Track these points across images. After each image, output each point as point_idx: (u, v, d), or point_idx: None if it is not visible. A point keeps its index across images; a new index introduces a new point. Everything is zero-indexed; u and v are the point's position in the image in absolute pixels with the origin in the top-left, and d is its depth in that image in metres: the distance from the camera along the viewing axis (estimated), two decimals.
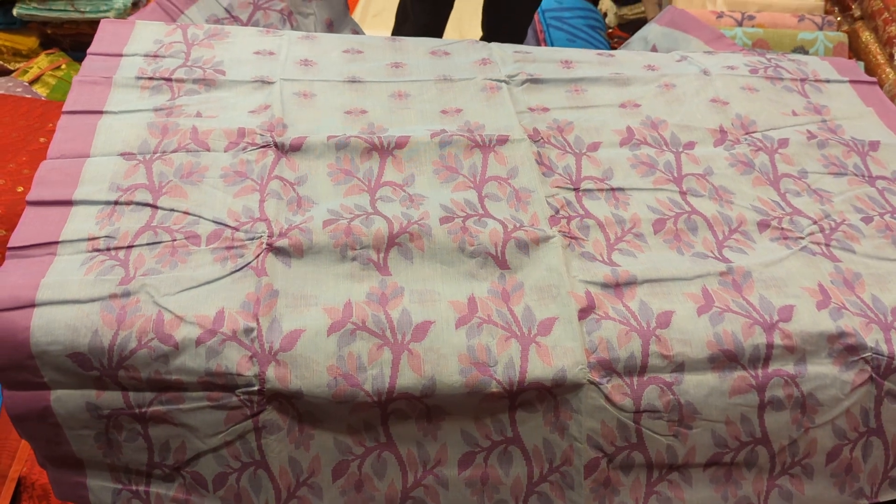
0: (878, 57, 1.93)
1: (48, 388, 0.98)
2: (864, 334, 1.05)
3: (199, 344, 0.96)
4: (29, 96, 2.08)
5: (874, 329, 1.06)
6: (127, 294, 1.00)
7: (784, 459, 1.06)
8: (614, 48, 2.68)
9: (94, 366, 0.96)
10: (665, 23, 1.93)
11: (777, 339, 1.04)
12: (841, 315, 1.07)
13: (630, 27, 2.66)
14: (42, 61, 2.38)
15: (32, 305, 0.97)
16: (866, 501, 1.10)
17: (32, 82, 2.28)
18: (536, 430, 1.02)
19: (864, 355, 1.04)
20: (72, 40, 2.41)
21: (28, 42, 2.37)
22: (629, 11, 2.64)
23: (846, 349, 1.04)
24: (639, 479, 1.03)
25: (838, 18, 2.15)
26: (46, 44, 2.43)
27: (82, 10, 2.30)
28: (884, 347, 1.05)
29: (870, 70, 1.96)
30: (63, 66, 2.33)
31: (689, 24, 1.87)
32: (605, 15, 2.77)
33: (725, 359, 1.03)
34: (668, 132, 1.37)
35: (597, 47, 2.58)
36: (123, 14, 2.25)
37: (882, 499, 1.10)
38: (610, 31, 2.72)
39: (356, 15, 3.22)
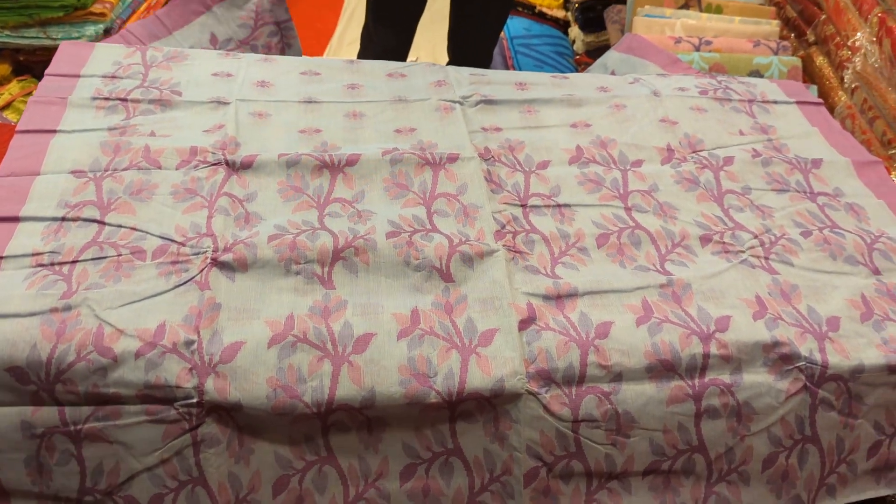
0: (832, 80, 1.98)
1: None
2: (798, 344, 1.07)
3: (139, 356, 0.97)
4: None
5: (808, 339, 1.08)
6: (68, 308, 1.00)
7: (721, 467, 1.07)
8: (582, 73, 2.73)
9: (31, 380, 0.96)
10: (623, 49, 1.98)
11: (713, 349, 1.05)
12: (776, 325, 1.09)
13: (597, 53, 2.70)
14: (13, 87, 2.39)
15: None
16: None
17: (3, 108, 2.30)
18: (477, 441, 1.03)
19: (798, 364, 1.06)
20: (44, 66, 2.39)
21: (0, 69, 2.39)
22: (595, 38, 2.70)
23: (781, 358, 1.06)
24: (578, 488, 1.04)
25: (793, 44, 2.20)
26: (19, 70, 2.44)
27: (54, 36, 2.31)
28: (817, 356, 1.07)
29: (824, 93, 2.01)
30: (34, 93, 2.34)
31: (646, 50, 1.92)
32: (574, 42, 2.83)
33: (663, 368, 1.04)
34: (617, 150, 1.40)
35: (563, 73, 2.63)
36: (94, 41, 2.27)
37: None
38: (578, 57, 2.78)
39: (332, 43, 3.27)
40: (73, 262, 1.07)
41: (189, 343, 0.99)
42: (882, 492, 1.15)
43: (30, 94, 2.36)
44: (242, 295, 1.06)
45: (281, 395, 0.97)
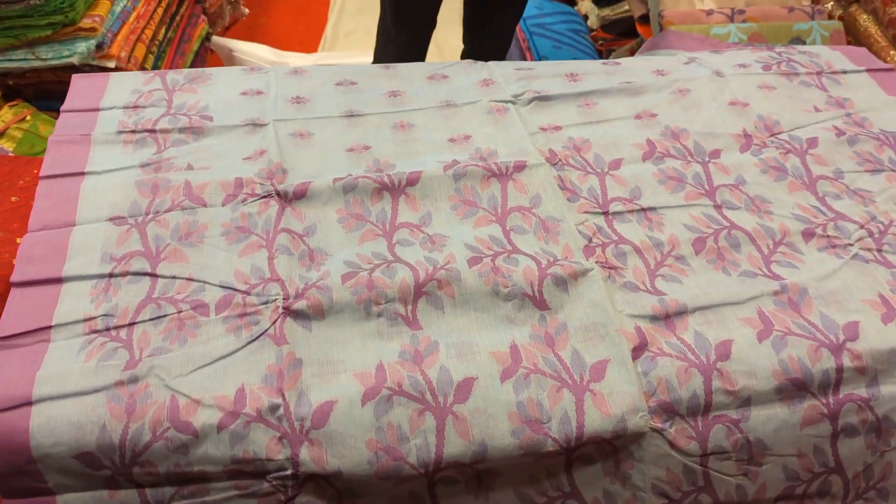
0: (880, 40, 1.87)
1: (53, 494, 0.87)
2: None
3: (222, 429, 0.86)
4: None
5: None
6: (135, 380, 0.89)
7: (858, 485, 0.98)
8: (599, 51, 2.61)
9: (105, 464, 0.86)
10: (664, 46, 1.85)
11: (847, 361, 0.96)
12: None
13: (614, 27, 2.59)
14: (6, 114, 2.25)
15: (29, 403, 0.87)
16: None
17: None
18: (596, 482, 0.93)
19: None
20: (35, 89, 2.28)
21: None
22: (611, 12, 2.57)
23: None
24: None
25: (828, 5, 2.09)
26: (8, 95, 2.31)
27: (44, 57, 2.18)
28: None
29: (872, 54, 1.90)
30: (28, 118, 2.21)
31: (687, 43, 1.80)
32: (587, 17, 2.70)
33: (794, 388, 0.94)
34: (691, 141, 1.29)
35: (583, 51, 2.51)
36: (87, 58, 2.14)
37: None
38: (593, 33, 2.65)
39: (326, 35, 3.14)
40: (131, 324, 0.96)
41: (274, 408, 0.88)
42: None
43: (23, 119, 2.23)
44: (324, 346, 0.95)
45: (384, 458, 0.87)
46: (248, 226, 1.09)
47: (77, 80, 1.36)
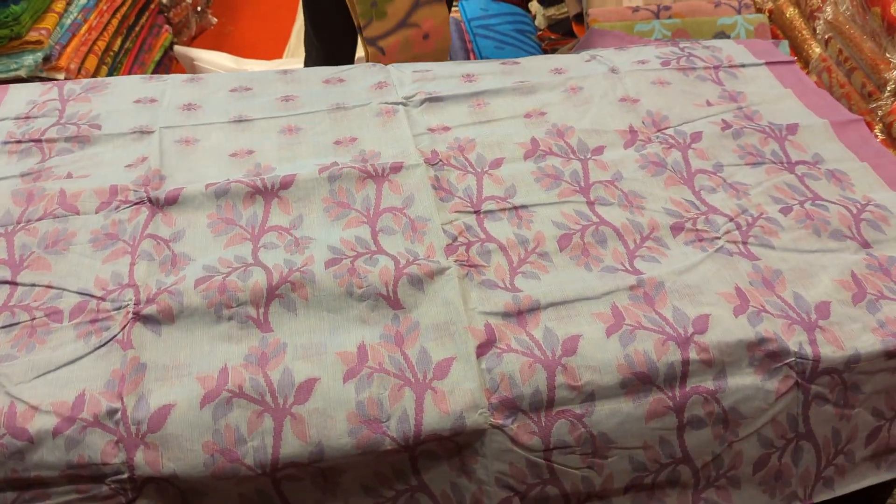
0: (804, 32, 1.87)
1: None
2: (786, 338, 0.97)
3: (57, 434, 0.87)
4: None
5: (797, 330, 0.99)
6: None
7: (709, 474, 0.99)
8: (545, 50, 2.61)
9: None
10: (588, 46, 1.85)
11: (693, 354, 0.96)
12: (760, 319, 0.99)
13: (559, 27, 2.59)
14: None
15: None
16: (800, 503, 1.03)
17: None
18: (442, 476, 0.94)
19: (787, 361, 0.96)
20: None
21: None
22: (556, 11, 2.57)
23: (768, 356, 0.97)
24: None
25: None
26: None
27: None
28: (808, 350, 0.97)
29: (796, 46, 1.90)
30: None
31: (606, 40, 1.80)
32: (535, 17, 2.71)
33: (639, 382, 0.94)
34: (575, 139, 1.29)
35: (527, 51, 2.52)
36: (35, 70, 2.15)
37: (817, 499, 1.03)
38: (540, 33, 2.66)
39: (291, 42, 3.16)
40: None
41: (112, 412, 0.89)
42: (883, 476, 1.07)
43: None
44: (170, 350, 0.96)
45: (220, 460, 0.88)
46: (116, 232, 1.10)
47: None
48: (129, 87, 1.41)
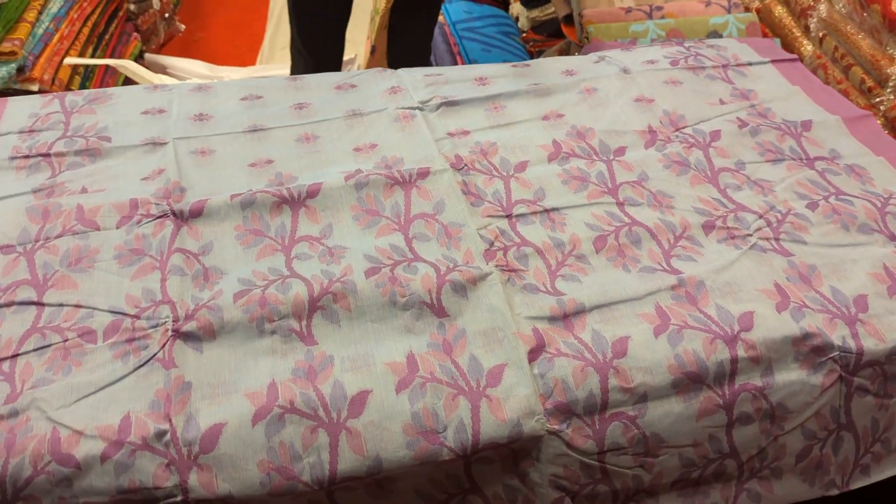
0: (794, 30, 1.90)
1: None
2: (829, 332, 0.99)
3: (105, 459, 0.84)
4: None
5: (839, 325, 1.00)
6: (15, 413, 0.86)
7: (753, 466, 1.00)
8: (531, 52, 2.62)
9: None
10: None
11: (741, 352, 0.96)
12: (803, 315, 1.00)
13: (543, 28, 2.60)
14: None
15: None
16: (837, 491, 1.05)
17: None
18: (495, 478, 0.93)
19: (832, 355, 0.98)
20: None
21: None
22: (540, 13, 2.59)
23: (813, 351, 0.98)
24: None
25: None
26: None
27: None
28: (851, 344, 0.98)
29: (787, 44, 1.93)
30: None
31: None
32: (517, 19, 2.71)
33: (689, 381, 0.95)
34: (596, 140, 1.29)
35: (513, 53, 2.52)
36: (8, 82, 2.08)
37: (853, 486, 1.05)
38: (524, 35, 2.66)
39: (263, 49, 3.11)
40: (14, 356, 0.93)
41: (161, 434, 0.86)
42: None
43: None
44: (214, 368, 0.93)
45: (276, 478, 0.85)
46: (142, 247, 1.07)
47: None
48: (133, 97, 1.37)
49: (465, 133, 1.30)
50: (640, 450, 0.94)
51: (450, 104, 1.36)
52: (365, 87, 1.41)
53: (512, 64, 1.50)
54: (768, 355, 0.97)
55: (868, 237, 1.13)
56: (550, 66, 1.49)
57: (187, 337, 0.95)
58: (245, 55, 3.10)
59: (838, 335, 0.99)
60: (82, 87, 2.36)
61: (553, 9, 2.51)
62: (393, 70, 1.47)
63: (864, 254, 1.10)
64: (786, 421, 0.98)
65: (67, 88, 2.24)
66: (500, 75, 1.45)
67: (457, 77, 1.44)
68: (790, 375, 0.97)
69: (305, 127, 1.31)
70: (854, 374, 0.99)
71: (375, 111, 1.34)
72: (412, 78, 1.44)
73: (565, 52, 2.40)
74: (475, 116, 1.34)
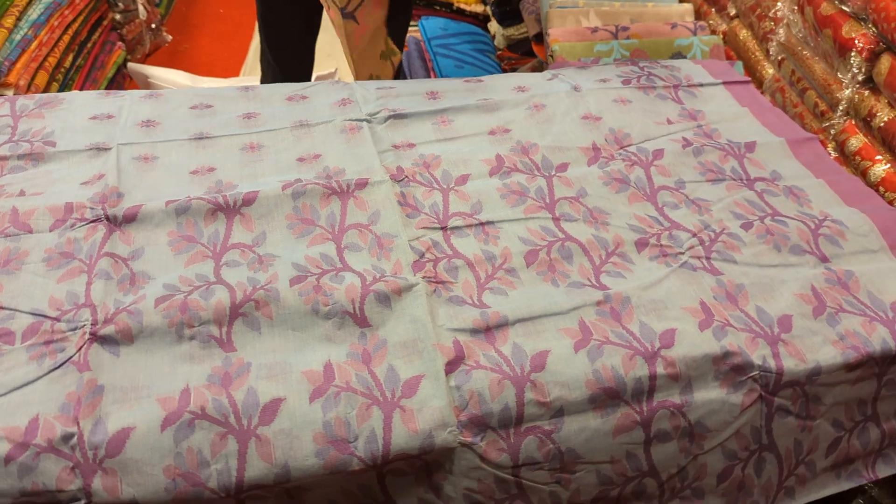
0: (757, 53, 1.91)
1: None
2: (750, 351, 0.99)
3: (10, 461, 0.83)
4: None
5: (760, 344, 1.00)
6: None
7: (673, 485, 0.99)
8: (505, 69, 2.64)
9: None
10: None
11: (660, 369, 0.96)
12: (725, 333, 1.00)
13: (518, 47, 2.62)
14: None
15: None
16: None
17: None
18: (410, 491, 0.92)
19: (751, 374, 0.98)
20: None
21: None
22: (515, 31, 2.61)
23: (733, 370, 0.98)
24: None
25: (712, 21, 2.14)
26: None
27: None
28: (771, 363, 0.98)
29: (750, 67, 1.94)
30: None
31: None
32: (494, 37, 2.73)
33: (607, 397, 0.94)
34: (539, 156, 1.30)
35: (487, 70, 2.53)
36: None
37: None
38: (500, 52, 2.68)
39: (248, 61, 3.13)
40: None
41: (67, 437, 0.85)
42: (843, 486, 1.09)
43: None
44: (129, 372, 0.93)
45: (182, 484, 0.85)
46: (72, 251, 1.07)
47: None
48: (84, 102, 1.37)
49: (411, 146, 1.31)
50: (556, 465, 0.93)
51: (398, 117, 1.37)
52: (315, 99, 1.42)
53: (465, 79, 1.51)
54: (688, 373, 0.97)
55: (799, 258, 1.13)
56: (503, 82, 1.50)
57: (104, 340, 0.95)
58: (230, 67, 3.13)
59: (759, 354, 0.99)
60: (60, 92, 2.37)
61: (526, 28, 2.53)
62: (347, 83, 1.48)
63: (794, 275, 1.10)
64: (705, 440, 0.97)
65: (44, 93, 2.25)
66: (451, 90, 1.46)
67: (408, 91, 1.45)
68: (710, 394, 0.97)
69: (252, 136, 1.32)
70: (774, 394, 0.99)
71: (323, 122, 1.35)
72: (364, 91, 1.45)
73: (537, 69, 2.41)
74: (422, 129, 1.35)
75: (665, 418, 0.95)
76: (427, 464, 0.91)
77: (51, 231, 1.10)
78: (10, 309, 0.98)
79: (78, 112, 1.34)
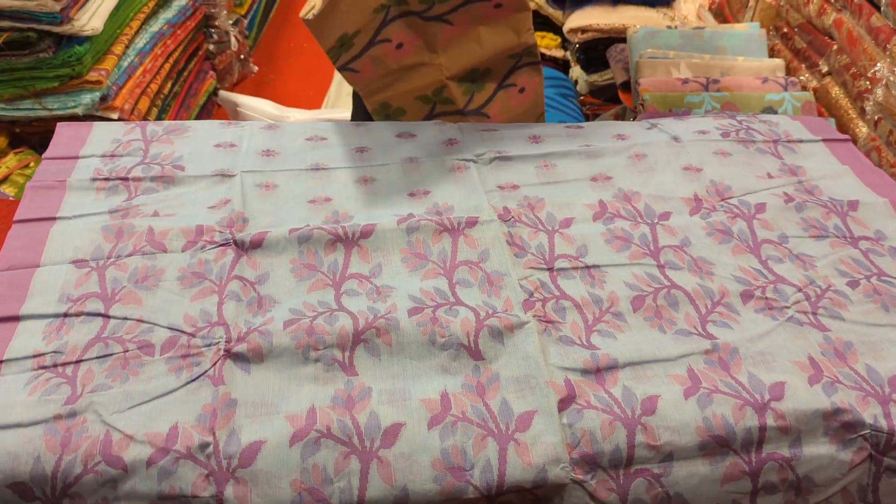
0: (850, 111, 1.92)
1: None
2: (861, 409, 0.99)
3: (151, 465, 0.89)
4: None
5: (871, 403, 1.00)
6: (73, 414, 0.93)
7: None
8: (587, 115, 2.69)
9: (37, 495, 0.89)
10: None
11: (770, 420, 0.97)
12: (835, 389, 1.01)
13: (601, 93, 2.67)
14: (10, 160, 2.35)
15: None
16: None
17: (1, 182, 2.25)
18: None
19: (862, 432, 0.98)
20: (41, 138, 2.38)
21: None
22: (599, 78, 2.66)
23: (843, 426, 0.98)
24: None
25: (802, 77, 2.15)
26: (15, 142, 2.40)
27: (50, 107, 2.27)
28: (883, 423, 0.98)
29: (842, 125, 1.95)
30: (32, 165, 2.30)
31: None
32: (577, 82, 2.79)
33: (716, 445, 0.96)
34: (642, 203, 1.33)
35: (570, 115, 2.58)
36: (91, 109, 2.22)
37: None
38: (582, 97, 2.73)
39: (330, 94, 3.25)
40: (78, 361, 1.00)
41: (204, 446, 0.91)
42: None
43: (27, 166, 2.32)
44: (259, 388, 0.98)
45: (307, 498, 0.90)
46: (203, 272, 1.14)
47: (61, 129, 1.43)
48: (209, 130, 1.46)
49: (515, 187, 1.36)
50: None
51: (503, 159, 1.42)
52: (424, 138, 1.48)
53: (566, 125, 1.56)
54: (797, 426, 0.98)
55: None
56: (603, 130, 1.54)
57: (237, 358, 1.01)
58: (312, 98, 3.25)
59: (870, 413, 0.99)
60: (158, 118, 2.50)
61: (611, 74, 2.58)
62: (452, 124, 1.55)
63: None
64: (811, 494, 0.98)
65: (144, 118, 2.38)
66: (553, 135, 1.50)
67: (512, 134, 1.50)
68: (819, 449, 0.98)
69: (365, 169, 1.38)
70: (884, 453, 0.99)
71: (431, 159, 1.41)
72: (469, 132, 1.50)
73: (620, 116, 2.45)
74: (526, 172, 1.40)
75: (773, 470, 0.96)
76: (537, 498, 0.94)
77: (183, 251, 1.17)
78: (150, 323, 1.05)
79: (203, 139, 1.43)
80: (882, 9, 1.61)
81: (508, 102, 1.64)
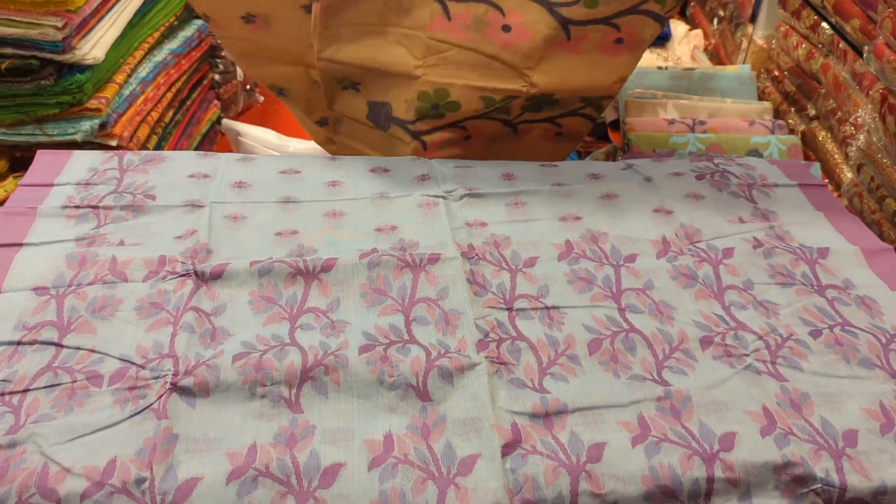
0: (836, 156, 1.91)
1: None
2: (812, 463, 0.97)
3: (84, 498, 0.89)
4: None
5: (824, 456, 0.98)
6: (13, 444, 0.93)
7: None
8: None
9: None
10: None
11: (718, 472, 0.96)
12: (788, 442, 0.99)
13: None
14: (10, 184, 2.38)
15: None
16: None
17: (0, 205, 2.28)
18: None
19: (813, 487, 0.96)
20: None
21: None
22: None
23: (794, 480, 0.96)
24: None
25: (791, 120, 2.15)
26: (15, 166, 2.44)
27: (50, 133, 2.30)
28: (834, 478, 0.96)
29: (828, 169, 1.94)
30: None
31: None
32: None
33: (662, 495, 0.94)
34: (609, 245, 1.32)
35: None
36: (90, 136, 2.25)
37: None
38: None
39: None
40: (25, 391, 1.00)
41: (140, 481, 0.90)
42: None
43: None
44: (203, 423, 0.98)
45: None
46: (161, 302, 1.14)
47: (40, 157, 1.45)
48: (184, 161, 1.48)
49: (483, 224, 1.36)
50: None
51: (473, 196, 1.42)
52: (397, 173, 1.49)
53: (540, 163, 1.56)
54: (747, 479, 0.96)
55: (868, 372, 1.11)
56: (577, 169, 1.54)
57: (183, 391, 1.01)
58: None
59: (822, 467, 0.97)
60: (158, 145, 2.53)
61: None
62: (427, 159, 1.55)
63: (862, 388, 1.09)
64: None
65: (143, 146, 2.41)
66: (526, 173, 1.51)
67: (486, 172, 1.51)
68: (769, 503, 0.96)
69: (335, 203, 1.39)
70: None
71: (402, 196, 1.41)
72: (443, 169, 1.51)
73: (611, 154, 2.46)
74: (496, 209, 1.40)
75: None
76: None
77: (143, 281, 1.17)
78: (102, 353, 1.05)
79: (178, 170, 1.45)
80: (865, 55, 1.61)
81: (541, 138, 1.64)
